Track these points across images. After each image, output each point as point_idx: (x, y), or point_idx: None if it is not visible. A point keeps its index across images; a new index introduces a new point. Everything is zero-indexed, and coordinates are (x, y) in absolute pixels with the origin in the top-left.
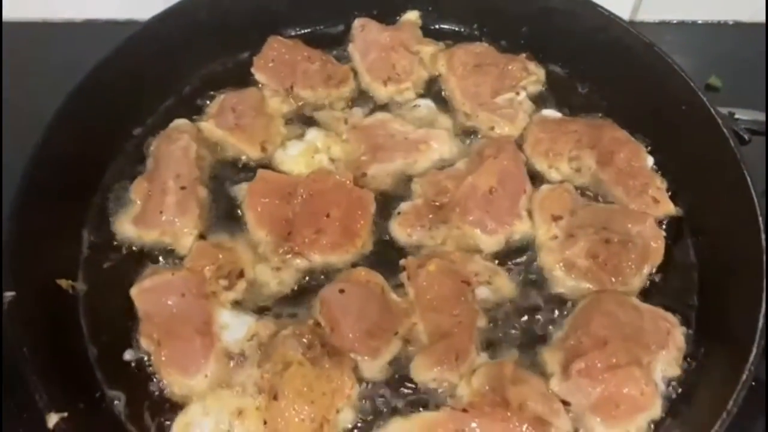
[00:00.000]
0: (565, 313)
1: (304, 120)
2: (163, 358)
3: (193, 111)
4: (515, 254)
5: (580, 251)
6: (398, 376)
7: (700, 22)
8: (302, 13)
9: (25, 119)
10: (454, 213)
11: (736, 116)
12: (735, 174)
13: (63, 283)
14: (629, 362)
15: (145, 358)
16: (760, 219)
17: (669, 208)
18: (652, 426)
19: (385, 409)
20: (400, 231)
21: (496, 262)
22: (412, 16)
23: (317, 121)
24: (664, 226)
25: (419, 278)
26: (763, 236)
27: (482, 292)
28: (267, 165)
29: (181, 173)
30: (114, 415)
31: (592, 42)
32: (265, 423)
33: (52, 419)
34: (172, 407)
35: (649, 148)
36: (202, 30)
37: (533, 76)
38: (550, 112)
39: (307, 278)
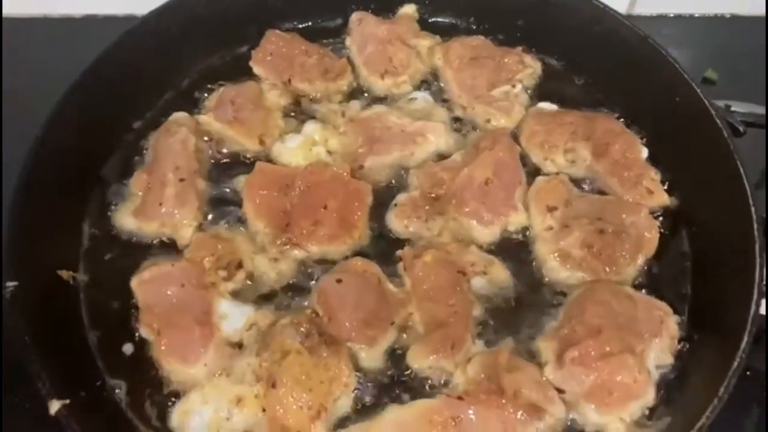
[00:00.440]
0: (560, 302)
1: (302, 113)
2: (163, 348)
3: (192, 104)
4: (511, 245)
5: (575, 241)
6: (395, 365)
7: (697, 15)
8: (300, 7)
9: (25, 114)
10: (450, 204)
11: (733, 108)
12: (729, 165)
13: (64, 274)
14: (622, 350)
15: (146, 348)
16: (753, 210)
17: (663, 198)
18: (646, 412)
19: (381, 398)
20: (397, 222)
21: (492, 252)
22: (409, 9)
23: (315, 114)
24: (659, 217)
25: (415, 268)
26: (756, 226)
27: (478, 282)
28: (265, 158)
29: (180, 165)
30: (115, 403)
31: (588, 35)
32: (263, 411)
33: (54, 406)
34: (172, 395)
35: (644, 139)
36: (201, 24)
37: (529, 69)
38: (546, 105)
39: (304, 269)
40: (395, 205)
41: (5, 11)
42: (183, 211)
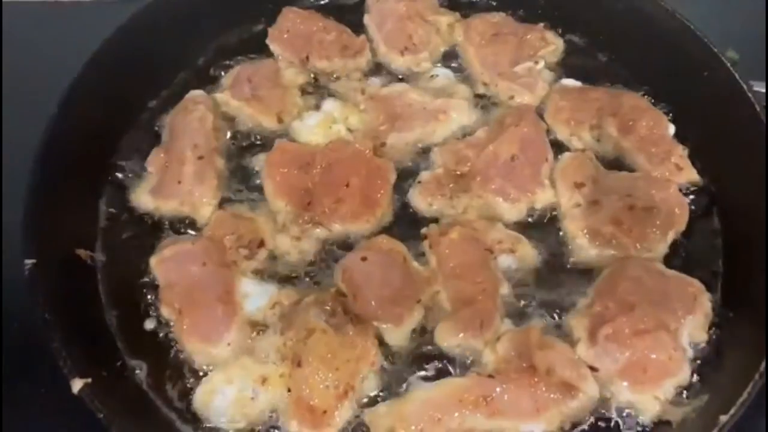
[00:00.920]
0: (590, 280)
1: (320, 91)
2: (185, 327)
3: (208, 82)
4: (538, 222)
5: (604, 218)
6: (422, 344)
7: None
8: None
9: (34, 98)
10: (475, 182)
11: (755, 88)
12: (759, 140)
13: (82, 253)
14: (657, 327)
15: (166, 328)
16: None
17: (692, 175)
18: (684, 393)
19: (409, 377)
20: (420, 200)
21: (518, 230)
22: None
23: (334, 91)
24: (688, 195)
25: (441, 246)
26: None
27: (505, 261)
28: (284, 136)
29: (198, 143)
30: (136, 383)
31: (612, 10)
32: (288, 390)
33: (77, 384)
34: (194, 376)
35: (670, 115)
36: (216, 1)
37: (551, 45)
38: (570, 81)
39: (327, 247)
40: (419, 182)
41: None
42: (202, 189)
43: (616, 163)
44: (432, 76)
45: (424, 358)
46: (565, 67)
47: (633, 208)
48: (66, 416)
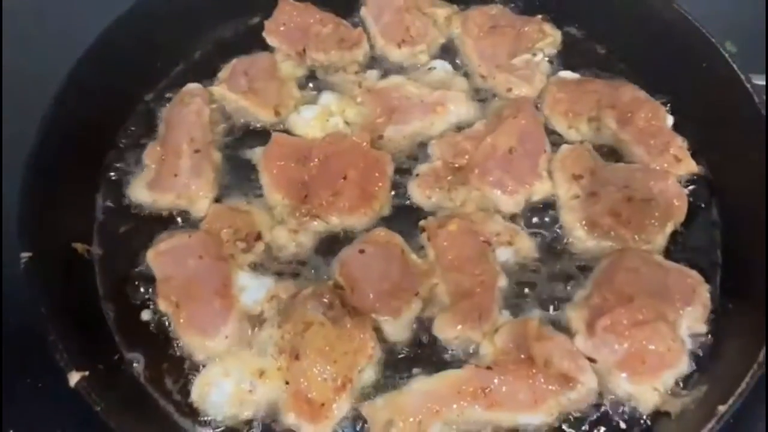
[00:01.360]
0: (588, 272)
1: (317, 84)
2: (182, 320)
3: (205, 76)
4: (535, 215)
5: (603, 209)
6: (420, 336)
7: None
8: None
9: (30, 90)
10: (473, 174)
11: (753, 81)
12: (757, 131)
13: (79, 247)
14: (655, 318)
15: (163, 321)
16: None
17: (691, 166)
18: (680, 383)
19: (408, 369)
20: (418, 193)
21: (516, 222)
22: None
23: (331, 84)
24: (687, 186)
25: (439, 238)
26: None
27: (503, 253)
28: (281, 129)
29: (194, 137)
30: (133, 377)
31: (610, 2)
32: (286, 383)
33: (74, 378)
34: (191, 369)
35: (669, 107)
36: None
37: (549, 37)
38: (568, 74)
39: (324, 240)
40: (417, 175)
41: None
42: (199, 183)
43: (614, 155)
44: (429, 68)
45: (422, 350)
46: (563, 59)
47: (631, 200)
48: (65, 409)
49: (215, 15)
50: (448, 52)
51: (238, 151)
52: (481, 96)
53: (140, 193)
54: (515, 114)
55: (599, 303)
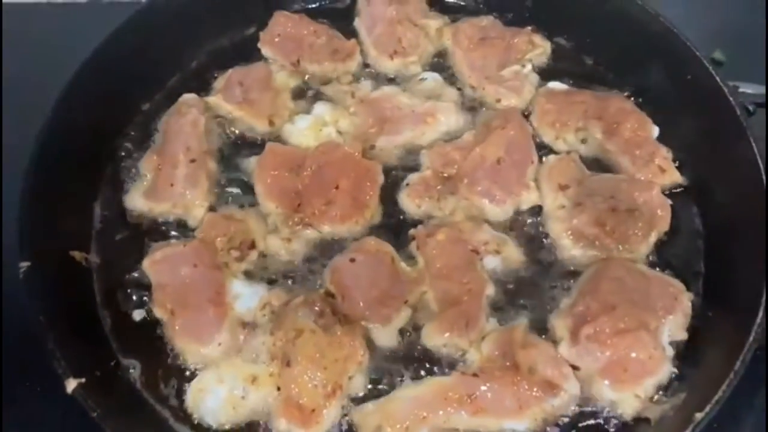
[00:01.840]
0: (573, 280)
1: (311, 94)
2: (177, 328)
3: (201, 86)
4: (523, 224)
5: (588, 219)
6: (409, 344)
7: None
8: None
9: (29, 101)
10: (462, 184)
11: (741, 89)
12: (741, 143)
13: (76, 255)
14: (637, 327)
15: (159, 328)
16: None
17: (675, 176)
18: (660, 391)
19: (396, 376)
20: (408, 202)
21: (504, 232)
22: None
23: (324, 95)
24: (671, 196)
25: (428, 247)
26: None
27: (491, 262)
28: (275, 139)
29: (190, 146)
30: (130, 383)
31: (598, 14)
32: (278, 389)
33: (71, 384)
34: (187, 375)
35: (655, 118)
36: (209, 5)
37: (539, 48)
38: (557, 84)
39: (317, 249)
40: (407, 184)
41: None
42: (194, 192)
43: (600, 166)
44: (421, 79)
45: (410, 357)
46: (552, 70)
47: (616, 210)
48: (64, 413)
49: (211, 26)
50: (439, 63)
51: (234, 160)
52: (471, 106)
53: (137, 201)
54: (504, 125)
55: (583, 311)
